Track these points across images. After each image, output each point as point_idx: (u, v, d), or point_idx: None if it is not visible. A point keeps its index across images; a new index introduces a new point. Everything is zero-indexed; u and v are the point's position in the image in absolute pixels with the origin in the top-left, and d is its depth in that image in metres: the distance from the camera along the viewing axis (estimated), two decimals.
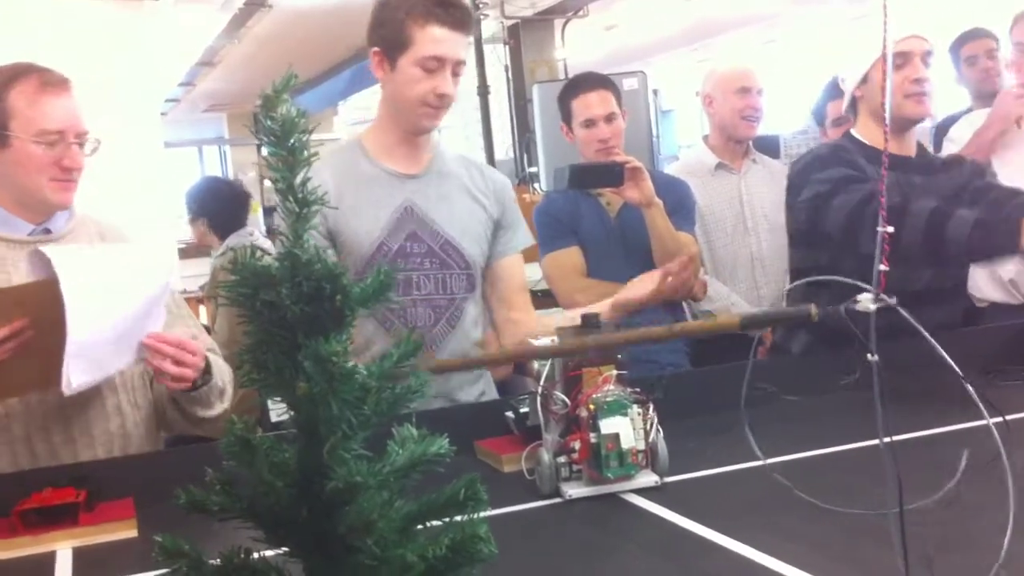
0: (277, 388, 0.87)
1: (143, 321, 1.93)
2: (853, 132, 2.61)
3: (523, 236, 2.51)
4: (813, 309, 1.37)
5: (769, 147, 3.79)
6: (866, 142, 2.56)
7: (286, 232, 0.86)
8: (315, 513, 0.86)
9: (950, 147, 3.26)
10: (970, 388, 1.22)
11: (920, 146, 2.56)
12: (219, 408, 2.13)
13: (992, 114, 3.13)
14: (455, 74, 2.23)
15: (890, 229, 1.28)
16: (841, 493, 1.66)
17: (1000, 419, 1.20)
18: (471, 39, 2.26)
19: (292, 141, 0.83)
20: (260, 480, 0.86)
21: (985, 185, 2.58)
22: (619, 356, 1.85)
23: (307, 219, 0.85)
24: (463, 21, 2.19)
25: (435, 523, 0.93)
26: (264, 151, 0.84)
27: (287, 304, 0.83)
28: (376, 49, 2.26)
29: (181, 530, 0.91)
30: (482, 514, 0.93)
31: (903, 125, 2.52)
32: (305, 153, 0.84)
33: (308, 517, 0.86)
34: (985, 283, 3.19)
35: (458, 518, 0.91)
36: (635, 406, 1.76)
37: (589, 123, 3.07)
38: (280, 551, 0.90)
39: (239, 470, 0.89)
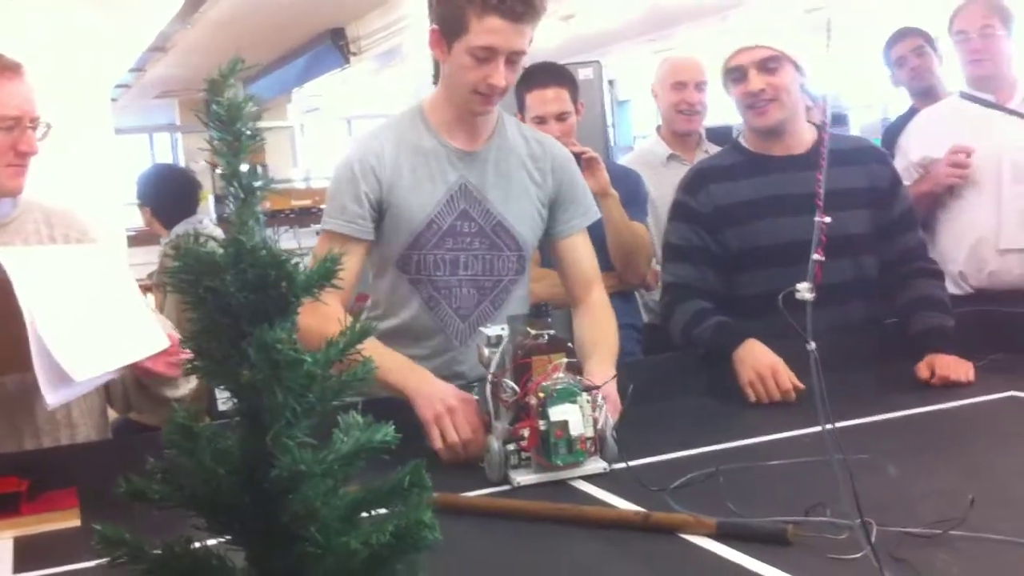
0: (221, 376, 0.86)
1: (125, 328, 1.91)
2: (740, 140, 2.65)
3: (585, 213, 2.38)
4: (791, 529, 1.41)
5: (724, 138, 3.81)
6: (751, 148, 2.60)
7: (231, 218, 0.85)
8: (258, 501, 0.86)
9: (900, 158, 3.30)
10: (789, 318, 1.26)
11: (819, 139, 2.58)
12: (185, 388, 2.12)
13: (928, 177, 3.17)
14: (511, 62, 2.14)
15: (827, 219, 1.30)
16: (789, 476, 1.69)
17: (813, 346, 1.24)
18: (532, 28, 2.14)
19: (238, 126, 0.82)
20: (202, 468, 0.85)
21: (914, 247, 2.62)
22: (569, 345, 1.87)
23: (253, 205, 0.84)
24: (524, 13, 2.09)
25: (380, 511, 0.93)
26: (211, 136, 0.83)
27: (231, 291, 0.82)
28: (434, 27, 2.18)
29: (126, 520, 0.90)
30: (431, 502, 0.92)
31: (762, 135, 2.56)
32: (251, 138, 0.83)
33: (251, 505, 0.86)
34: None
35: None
36: (584, 394, 1.78)
37: (540, 120, 3.04)
38: (223, 540, 0.89)
39: (182, 458, 0.88)
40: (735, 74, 2.50)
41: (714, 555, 1.40)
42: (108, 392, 2.20)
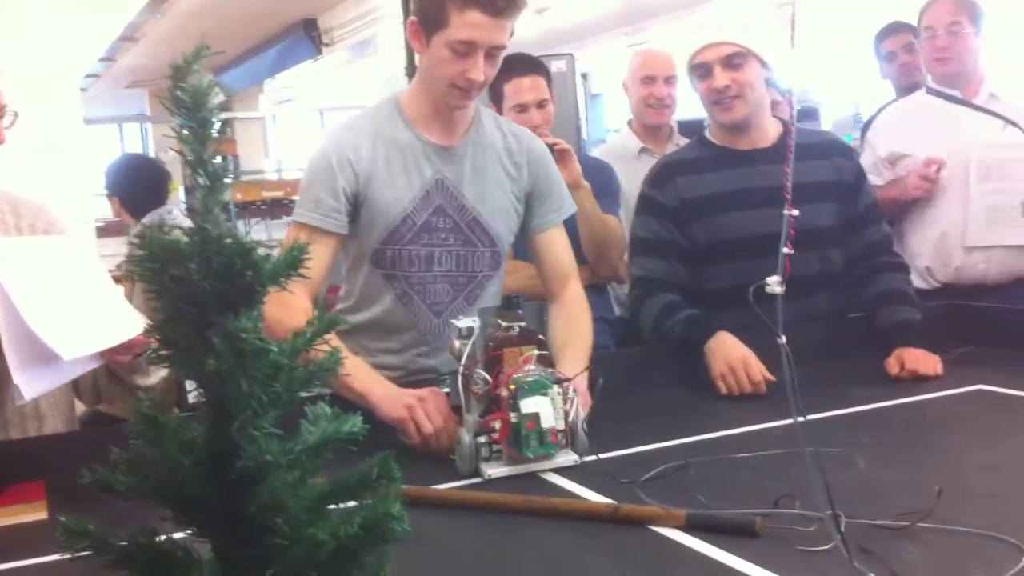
0: (186, 365, 0.85)
1: (102, 312, 1.90)
2: (707, 134, 2.65)
3: (561, 207, 2.37)
4: (759, 521, 1.41)
5: (696, 131, 3.83)
6: (716, 142, 2.61)
7: (197, 206, 0.84)
8: (224, 492, 0.85)
9: (868, 152, 3.31)
10: (759, 311, 1.26)
11: (785, 132, 2.58)
12: (156, 376, 2.11)
13: (896, 184, 3.19)
14: (490, 56, 2.12)
15: (795, 212, 1.31)
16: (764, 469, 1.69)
17: (784, 340, 1.26)
18: (512, 23, 2.12)
19: (202, 113, 0.81)
20: (167, 459, 0.84)
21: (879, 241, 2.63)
22: (540, 337, 1.86)
23: (218, 193, 0.83)
24: (505, 7, 2.07)
25: (349, 503, 0.92)
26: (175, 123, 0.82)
27: (196, 280, 0.81)
28: (413, 19, 2.17)
29: (93, 513, 0.89)
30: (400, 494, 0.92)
31: (728, 129, 2.57)
32: (216, 126, 0.82)
33: (217, 496, 0.85)
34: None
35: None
36: (555, 386, 1.78)
37: (520, 108, 3.04)
38: (188, 532, 0.89)
39: (147, 449, 0.87)
40: (700, 70, 2.51)
41: (684, 547, 1.40)
42: (77, 385, 2.18)
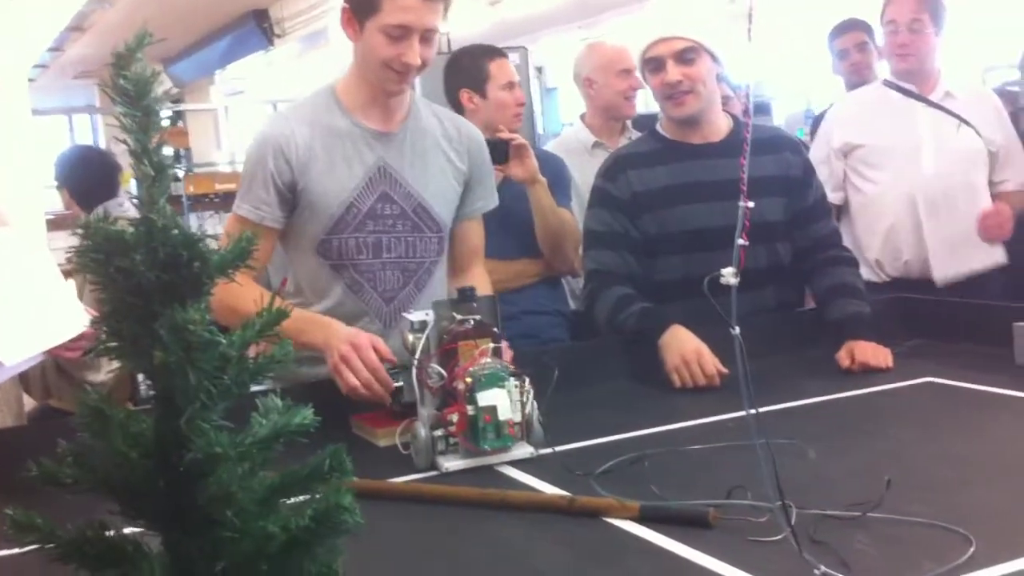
0: (134, 357, 0.84)
1: (47, 311, 1.87)
2: (658, 127, 2.66)
3: (489, 197, 2.42)
4: (712, 512, 1.41)
5: (650, 124, 3.84)
6: (668, 136, 2.62)
7: (142, 197, 0.83)
8: (173, 485, 0.84)
9: (821, 144, 3.34)
10: (714, 302, 1.28)
11: (735, 126, 2.61)
12: (106, 371, 2.08)
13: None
14: (425, 40, 2.12)
15: (751, 204, 1.32)
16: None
17: (737, 330, 1.27)
18: (444, 5, 2.13)
19: (146, 102, 0.79)
20: (114, 451, 0.83)
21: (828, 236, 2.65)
22: (495, 330, 1.86)
23: (163, 183, 0.82)
24: None
25: (301, 496, 0.91)
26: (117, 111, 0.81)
27: (142, 271, 0.80)
28: (345, 6, 2.16)
29: (43, 507, 0.88)
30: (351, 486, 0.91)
31: (679, 124, 2.58)
32: (161, 115, 0.81)
33: (165, 489, 0.84)
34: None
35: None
36: (512, 379, 1.77)
37: (511, 85, 3.09)
38: (138, 525, 0.87)
39: (94, 442, 0.85)
40: (652, 64, 2.52)
41: (638, 538, 1.41)
42: (26, 380, 2.15)
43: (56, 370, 2.08)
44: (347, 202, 2.18)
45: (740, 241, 1.30)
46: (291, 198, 2.17)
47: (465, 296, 1.87)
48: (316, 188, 2.17)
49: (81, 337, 1.90)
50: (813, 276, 2.57)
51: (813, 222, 2.60)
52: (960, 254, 3.13)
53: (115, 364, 2.08)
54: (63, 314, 1.90)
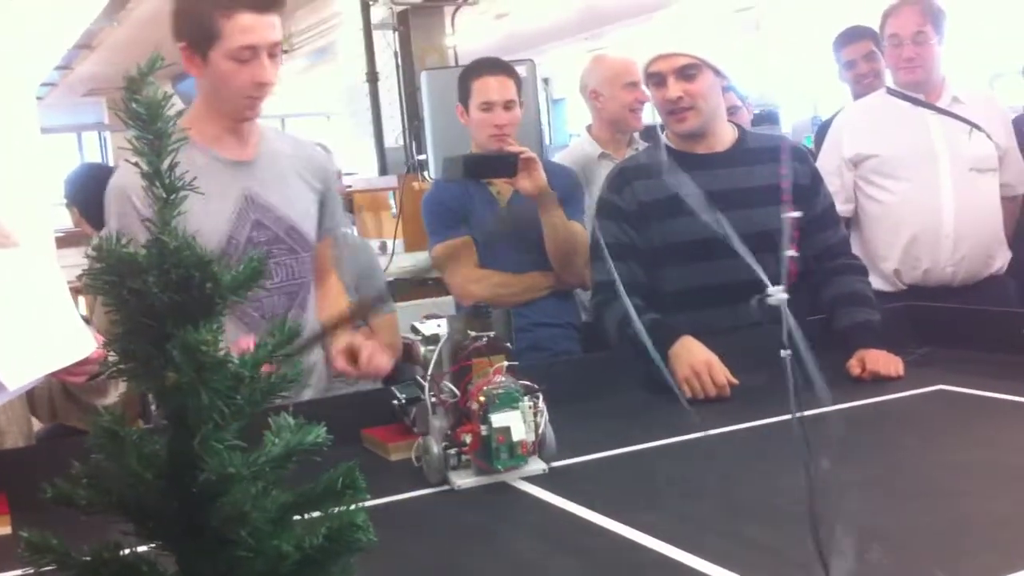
0: (145, 378, 0.84)
1: (52, 333, 1.87)
2: (663, 138, 2.66)
3: (338, 217, 2.48)
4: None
5: (655, 136, 3.85)
6: (672, 146, 2.61)
7: (154, 218, 0.84)
8: (187, 505, 0.84)
9: (830, 154, 3.34)
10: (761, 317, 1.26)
11: (741, 135, 2.61)
12: (114, 396, 2.07)
13: None
14: (272, 55, 2.12)
15: (797, 214, 1.29)
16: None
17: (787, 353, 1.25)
18: (279, 18, 2.13)
19: (158, 124, 0.80)
20: (128, 472, 0.84)
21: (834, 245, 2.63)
22: (508, 345, 1.82)
23: (175, 205, 0.83)
24: (271, 2, 2.08)
25: (314, 514, 0.92)
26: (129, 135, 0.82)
27: (154, 292, 0.80)
28: (182, 44, 2.12)
29: (57, 527, 0.88)
30: (367, 503, 0.91)
31: (685, 138, 2.57)
32: (173, 137, 0.81)
33: (180, 510, 0.84)
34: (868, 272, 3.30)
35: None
36: (526, 398, 1.74)
37: (486, 106, 3.03)
38: (152, 545, 0.88)
39: (108, 463, 0.86)
40: (655, 79, 2.52)
41: (653, 551, 1.40)
42: (33, 402, 2.14)
43: (63, 393, 2.08)
44: (225, 235, 2.18)
45: (790, 252, 1.27)
46: None
47: (479, 311, 1.83)
48: (193, 225, 2.17)
49: (87, 361, 1.89)
50: (822, 284, 2.56)
51: (821, 231, 2.60)
52: (981, 258, 3.14)
53: (122, 388, 2.07)
54: (69, 337, 1.89)
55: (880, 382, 2.26)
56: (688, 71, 2.47)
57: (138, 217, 2.16)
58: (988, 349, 2.41)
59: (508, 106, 3.03)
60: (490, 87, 3.02)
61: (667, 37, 2.52)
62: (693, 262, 2.46)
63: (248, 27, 2.05)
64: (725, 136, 2.61)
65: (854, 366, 2.32)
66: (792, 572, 1.27)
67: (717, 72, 2.51)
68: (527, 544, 1.49)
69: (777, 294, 1.27)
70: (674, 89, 2.48)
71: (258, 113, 2.21)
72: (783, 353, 1.25)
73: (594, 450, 1.90)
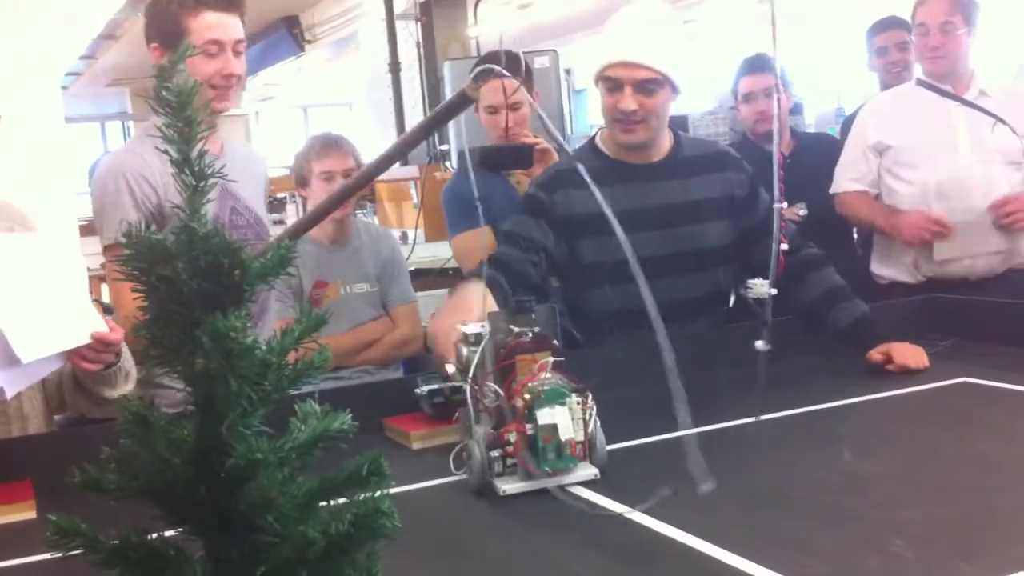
0: (174, 364, 0.85)
1: (61, 317, 1.88)
2: (597, 142, 2.56)
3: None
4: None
5: (678, 127, 3.84)
6: (607, 152, 2.52)
7: (182, 206, 0.84)
8: (214, 491, 0.85)
9: (855, 136, 3.32)
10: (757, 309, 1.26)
11: (676, 143, 2.53)
12: (123, 389, 2.09)
13: (894, 225, 3.19)
14: (236, 52, 2.34)
15: (784, 205, 1.30)
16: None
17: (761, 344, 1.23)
18: (241, 18, 2.37)
19: (188, 112, 0.81)
20: (157, 457, 0.84)
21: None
22: (555, 342, 1.72)
23: (204, 192, 0.83)
24: (233, 1, 2.32)
25: (339, 500, 0.92)
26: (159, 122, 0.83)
27: (183, 279, 0.81)
28: (155, 45, 2.34)
29: (82, 511, 0.89)
30: (390, 491, 0.91)
31: (624, 148, 2.48)
32: (202, 124, 0.82)
33: (207, 495, 0.85)
34: (886, 263, 3.28)
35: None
36: (574, 395, 1.64)
37: (491, 110, 3.05)
38: (179, 530, 0.89)
39: (136, 448, 0.87)
40: (610, 83, 2.41)
41: (671, 540, 1.40)
42: (43, 389, 2.16)
43: (73, 384, 2.09)
44: (214, 214, 2.30)
45: (783, 246, 1.27)
46: (157, 224, 2.23)
47: (522, 307, 1.74)
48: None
49: (103, 350, 1.91)
50: (791, 285, 2.36)
51: (768, 235, 2.46)
52: (993, 262, 3.12)
53: (131, 383, 2.09)
54: (80, 319, 1.91)
55: (903, 374, 2.25)
56: (648, 85, 2.37)
57: (132, 201, 2.31)
58: (1012, 342, 2.39)
59: (514, 107, 3.03)
60: (491, 92, 3.00)
61: (630, 44, 2.39)
62: (624, 282, 2.33)
63: (213, 24, 2.30)
64: (663, 146, 2.52)
65: (879, 358, 2.29)
66: (799, 558, 1.27)
67: (674, 88, 2.41)
68: (543, 529, 1.49)
69: (758, 287, 1.26)
70: (629, 101, 2.37)
71: (226, 107, 2.38)
72: (758, 344, 1.24)
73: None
